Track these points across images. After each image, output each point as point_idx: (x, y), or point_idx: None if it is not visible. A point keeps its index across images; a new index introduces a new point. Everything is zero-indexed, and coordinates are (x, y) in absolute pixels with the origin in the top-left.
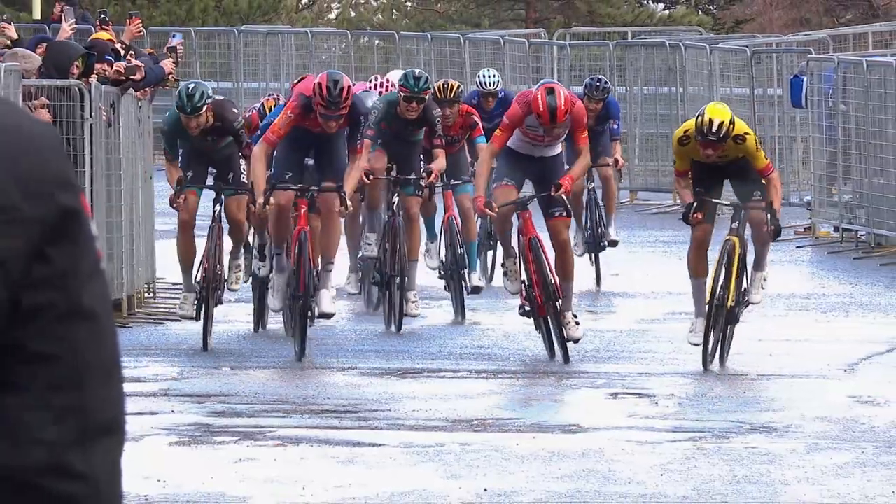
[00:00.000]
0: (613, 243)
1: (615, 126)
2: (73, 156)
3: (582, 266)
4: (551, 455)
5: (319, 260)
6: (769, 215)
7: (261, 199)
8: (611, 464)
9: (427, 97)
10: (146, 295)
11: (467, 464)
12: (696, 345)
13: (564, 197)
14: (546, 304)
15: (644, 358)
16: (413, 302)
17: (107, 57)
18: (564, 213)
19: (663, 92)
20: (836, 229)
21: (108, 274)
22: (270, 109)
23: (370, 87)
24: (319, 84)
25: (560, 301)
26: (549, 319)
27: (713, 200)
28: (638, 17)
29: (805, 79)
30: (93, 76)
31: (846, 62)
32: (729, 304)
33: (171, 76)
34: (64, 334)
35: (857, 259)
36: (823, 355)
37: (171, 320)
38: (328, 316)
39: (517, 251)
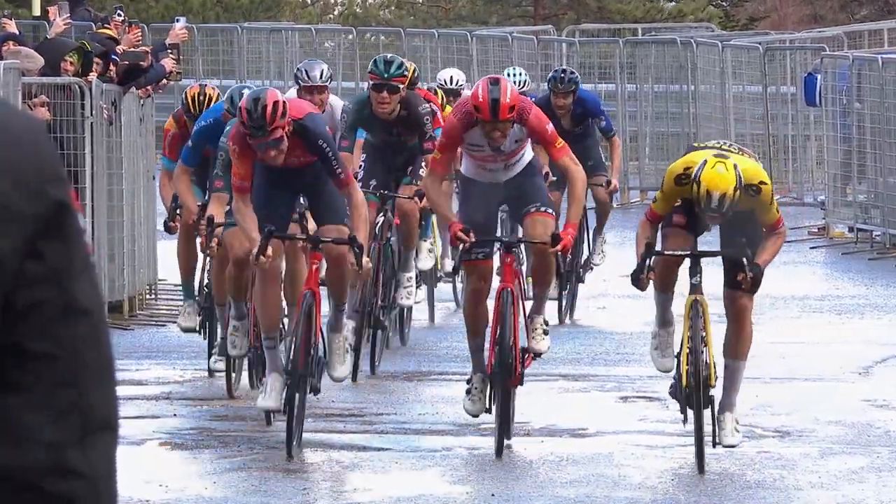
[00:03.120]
0: (590, 267)
1: (603, 123)
2: (74, 155)
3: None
4: (560, 460)
5: (330, 301)
6: (745, 260)
7: (255, 249)
8: (621, 469)
9: (401, 86)
10: (148, 296)
11: (474, 469)
12: (665, 371)
13: (560, 256)
14: (496, 378)
15: None
16: (406, 287)
17: (112, 56)
18: (548, 210)
19: (674, 90)
20: (851, 230)
21: (109, 275)
22: None
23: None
24: (240, 108)
25: (517, 375)
26: (506, 393)
27: (673, 253)
28: (648, 13)
29: (819, 76)
30: (92, 73)
31: (861, 59)
32: (711, 380)
33: (173, 72)
34: (61, 332)
35: (873, 260)
36: (837, 358)
37: (174, 322)
38: (341, 379)
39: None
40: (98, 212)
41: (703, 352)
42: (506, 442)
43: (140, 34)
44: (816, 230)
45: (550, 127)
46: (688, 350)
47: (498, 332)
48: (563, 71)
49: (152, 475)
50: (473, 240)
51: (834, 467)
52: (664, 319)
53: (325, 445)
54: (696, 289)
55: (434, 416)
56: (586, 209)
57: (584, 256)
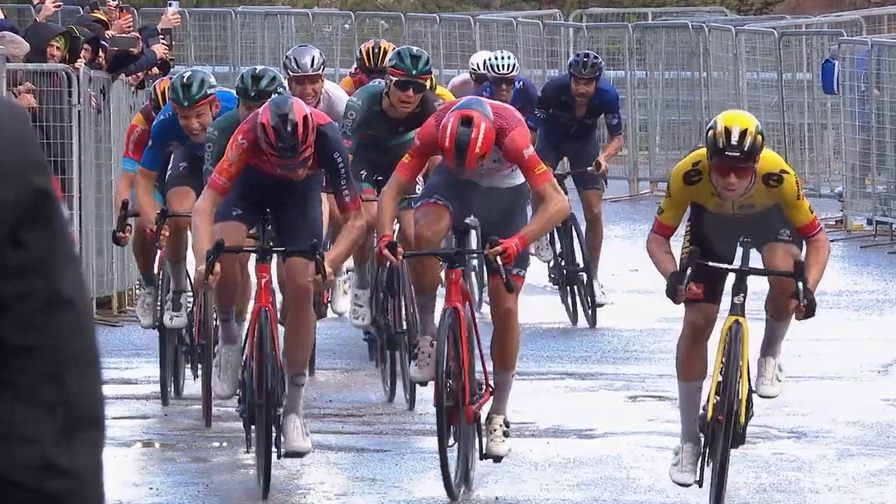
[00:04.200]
0: (598, 305)
1: (615, 121)
2: (61, 144)
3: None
4: (567, 461)
5: (285, 365)
6: (801, 285)
7: (202, 267)
8: (630, 471)
9: (426, 84)
10: (137, 291)
11: (478, 471)
12: (685, 485)
13: (499, 259)
14: (437, 410)
15: (665, 359)
16: (360, 306)
17: (101, 42)
18: (514, 272)
19: (685, 77)
20: (870, 222)
21: (97, 269)
22: None
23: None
24: (263, 126)
25: (482, 403)
26: (459, 431)
27: (714, 265)
28: None
29: (837, 63)
30: (80, 60)
31: (880, 45)
32: (742, 418)
33: (164, 58)
34: (44, 324)
35: (893, 253)
36: (856, 356)
37: None
38: (300, 454)
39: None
40: (86, 203)
41: (737, 383)
42: (463, 489)
43: (131, 19)
44: (834, 223)
45: (530, 151)
46: (719, 379)
47: (455, 357)
48: (587, 55)
49: (142, 478)
50: (399, 258)
51: (852, 469)
52: (689, 429)
53: (323, 447)
54: (738, 309)
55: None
56: (578, 227)
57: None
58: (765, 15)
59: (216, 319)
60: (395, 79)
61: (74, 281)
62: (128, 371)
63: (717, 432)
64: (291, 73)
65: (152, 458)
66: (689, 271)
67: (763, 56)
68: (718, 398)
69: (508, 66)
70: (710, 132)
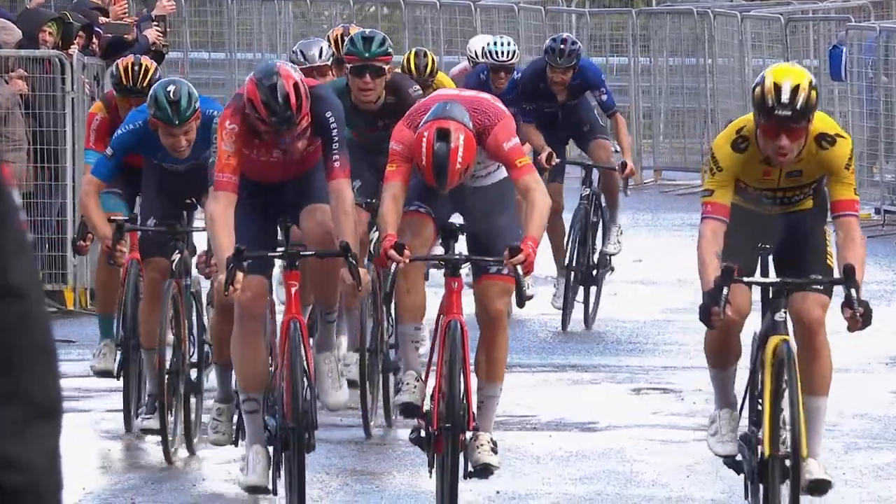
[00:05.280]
0: (609, 267)
1: (605, 96)
2: (53, 132)
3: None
4: (569, 455)
5: (321, 304)
6: (853, 291)
7: (222, 276)
8: (633, 464)
9: (386, 66)
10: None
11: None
12: (730, 456)
13: (520, 269)
14: (446, 435)
15: (669, 350)
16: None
17: (95, 28)
18: (504, 271)
19: (690, 63)
20: (878, 211)
21: (92, 259)
22: None
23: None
24: (251, 101)
25: (471, 428)
26: (447, 461)
27: (751, 281)
28: None
29: (844, 49)
30: (73, 46)
31: (888, 30)
32: (804, 452)
33: (157, 44)
34: None
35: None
36: (863, 348)
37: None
38: (335, 408)
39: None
40: (78, 192)
41: (798, 414)
42: None
43: (126, 5)
44: None
45: (513, 142)
46: (770, 408)
47: (444, 377)
48: (563, 41)
49: (138, 472)
50: (406, 259)
51: (860, 463)
52: (726, 399)
53: (320, 441)
54: (781, 328)
55: None
56: (596, 195)
57: (597, 254)
58: (771, 0)
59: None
60: (349, 65)
61: (25, 271)
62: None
63: (774, 470)
64: (298, 66)
65: (148, 452)
66: (725, 292)
67: (769, 42)
68: (773, 431)
69: (508, 52)
70: (758, 89)
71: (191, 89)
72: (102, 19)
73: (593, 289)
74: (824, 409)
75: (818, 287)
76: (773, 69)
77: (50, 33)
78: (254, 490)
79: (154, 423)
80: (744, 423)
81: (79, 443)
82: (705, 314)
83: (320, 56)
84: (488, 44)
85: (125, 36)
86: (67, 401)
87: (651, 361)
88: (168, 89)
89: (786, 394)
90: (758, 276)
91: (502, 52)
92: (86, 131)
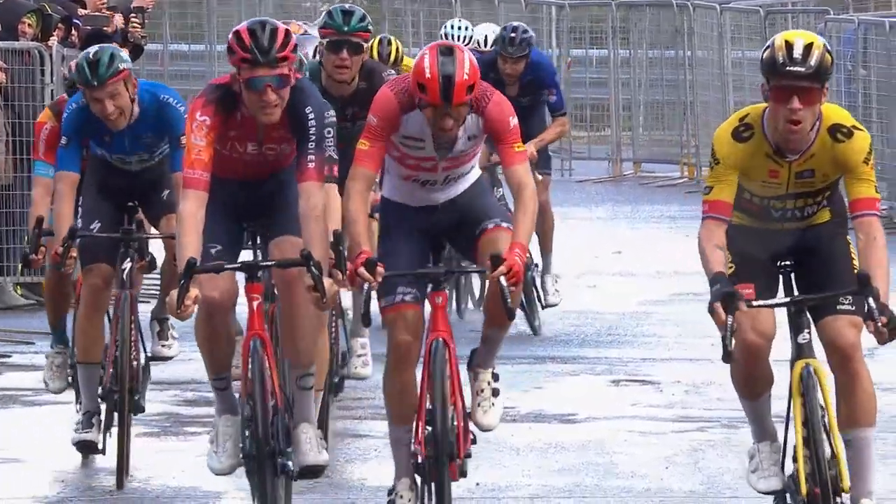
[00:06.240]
0: (549, 305)
1: (555, 97)
2: (33, 124)
3: None
4: (548, 447)
5: (289, 372)
6: (872, 301)
7: (174, 292)
8: (612, 456)
9: (365, 44)
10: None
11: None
12: (775, 493)
13: (504, 283)
14: (435, 465)
15: (648, 342)
16: (361, 356)
17: (74, 20)
18: (510, 226)
19: (669, 55)
20: None
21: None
22: None
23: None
24: (237, 33)
25: (461, 457)
26: (437, 492)
27: (764, 304)
28: None
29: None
30: (53, 38)
31: (867, 23)
32: (844, 481)
33: (133, 33)
34: None
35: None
36: None
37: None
38: (315, 472)
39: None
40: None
41: (824, 442)
42: None
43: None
44: None
45: (514, 121)
46: (803, 440)
47: (430, 401)
48: (514, 30)
49: (115, 464)
50: (378, 278)
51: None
52: (764, 431)
53: None
54: (805, 351)
55: None
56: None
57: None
58: None
59: (143, 361)
60: (328, 40)
61: None
62: None
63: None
64: None
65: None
66: (730, 322)
67: (748, 35)
68: (808, 465)
69: (464, 38)
70: (767, 51)
71: (116, 51)
72: (81, 11)
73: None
74: (870, 441)
75: (848, 307)
76: (784, 33)
77: (29, 25)
78: (222, 472)
79: (91, 435)
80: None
81: (60, 435)
82: (711, 309)
83: (314, 56)
84: (447, 26)
85: (104, 28)
86: (46, 393)
87: (630, 353)
88: (90, 51)
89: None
90: (772, 298)
91: (458, 37)
92: (34, 141)
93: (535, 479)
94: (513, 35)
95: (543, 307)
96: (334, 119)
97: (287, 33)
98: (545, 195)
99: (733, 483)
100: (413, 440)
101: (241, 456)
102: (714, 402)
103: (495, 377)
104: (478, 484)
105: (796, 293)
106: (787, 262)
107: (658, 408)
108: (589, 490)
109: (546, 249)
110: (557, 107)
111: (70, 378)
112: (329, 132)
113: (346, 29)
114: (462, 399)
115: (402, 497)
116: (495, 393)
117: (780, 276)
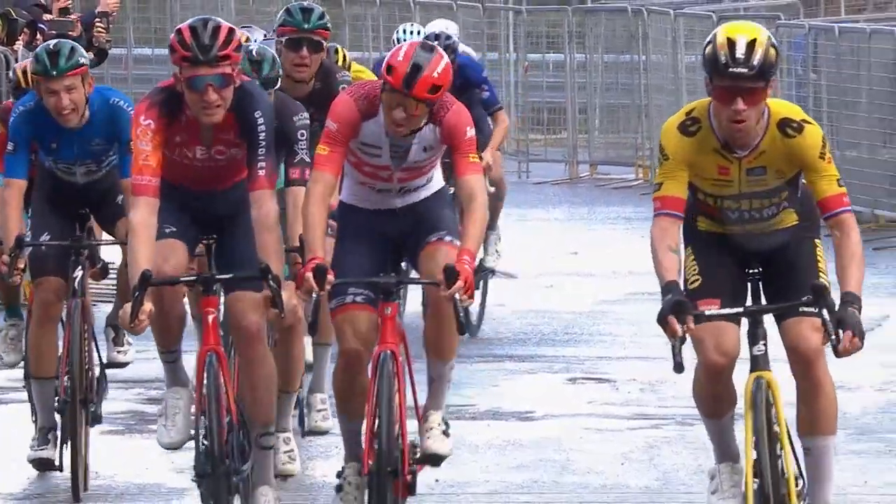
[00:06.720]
0: (490, 272)
1: (487, 94)
2: None
3: None
4: (506, 444)
5: (251, 422)
6: (823, 313)
7: (128, 306)
8: (569, 453)
9: (325, 42)
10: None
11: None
12: None
13: (458, 297)
14: (377, 480)
15: (604, 341)
16: (320, 411)
17: (39, 25)
18: (455, 242)
19: (625, 60)
20: None
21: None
22: None
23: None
24: (179, 31)
25: (406, 473)
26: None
27: (714, 313)
28: None
29: None
30: (18, 42)
31: (817, 28)
32: (792, 498)
33: (98, 38)
34: None
35: (829, 236)
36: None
37: (104, 300)
38: None
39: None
40: None
41: (779, 456)
42: None
43: (70, 2)
44: None
45: (471, 132)
46: (753, 457)
47: (377, 417)
48: (437, 37)
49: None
50: (327, 286)
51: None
52: (725, 452)
53: None
54: (759, 362)
55: None
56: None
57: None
58: None
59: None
60: (286, 37)
61: None
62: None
63: None
64: None
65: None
66: (681, 331)
67: (702, 39)
68: (757, 482)
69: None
70: (709, 47)
71: (76, 47)
72: (46, 16)
73: (478, 293)
74: (830, 449)
75: (809, 310)
76: (726, 26)
77: None
78: (176, 447)
79: (47, 453)
80: None
81: (25, 431)
82: (662, 321)
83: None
84: (396, 31)
85: (69, 33)
86: (11, 391)
87: (586, 352)
88: (49, 43)
89: (780, 437)
90: (722, 309)
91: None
92: None
93: (494, 476)
94: (436, 43)
95: (480, 274)
96: (307, 121)
97: (230, 31)
98: (499, 172)
99: (688, 479)
100: (363, 441)
101: (190, 441)
102: (669, 400)
103: (446, 423)
104: (437, 481)
105: (763, 302)
106: (755, 270)
107: (614, 405)
108: (546, 486)
109: (495, 216)
110: (492, 102)
111: (25, 387)
112: (302, 134)
113: (306, 26)
114: (404, 414)
115: (350, 483)
116: (446, 433)
117: (749, 284)
